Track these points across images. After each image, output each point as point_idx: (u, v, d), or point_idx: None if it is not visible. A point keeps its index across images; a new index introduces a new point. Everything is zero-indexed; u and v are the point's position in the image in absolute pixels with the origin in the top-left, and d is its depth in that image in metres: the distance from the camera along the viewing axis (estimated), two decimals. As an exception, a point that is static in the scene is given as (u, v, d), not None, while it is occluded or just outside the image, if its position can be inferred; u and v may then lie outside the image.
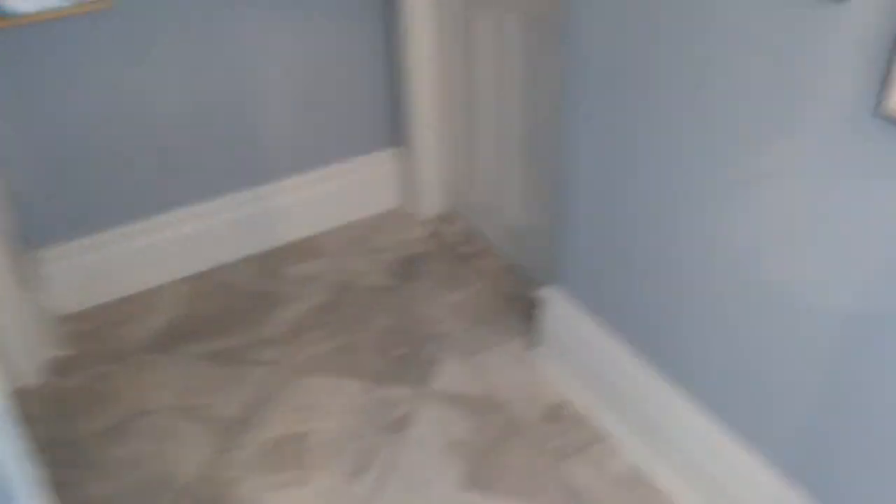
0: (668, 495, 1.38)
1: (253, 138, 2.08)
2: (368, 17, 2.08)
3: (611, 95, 1.24)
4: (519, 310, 1.86)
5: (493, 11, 1.76)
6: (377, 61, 2.16)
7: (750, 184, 1.05)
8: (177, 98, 1.93)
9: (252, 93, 2.02)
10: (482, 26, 1.80)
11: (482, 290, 1.95)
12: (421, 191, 2.25)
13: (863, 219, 0.92)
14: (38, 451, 1.56)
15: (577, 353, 1.53)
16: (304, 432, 1.58)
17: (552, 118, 1.62)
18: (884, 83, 0.83)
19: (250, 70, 1.99)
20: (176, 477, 1.51)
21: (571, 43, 1.29)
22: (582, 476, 1.43)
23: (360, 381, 1.69)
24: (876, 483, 1.02)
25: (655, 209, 1.23)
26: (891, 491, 1.00)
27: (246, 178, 2.12)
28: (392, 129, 2.27)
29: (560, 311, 1.55)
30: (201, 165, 2.04)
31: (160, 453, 1.56)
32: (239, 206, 2.12)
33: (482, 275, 2.01)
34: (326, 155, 2.21)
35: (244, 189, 2.12)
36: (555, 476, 1.43)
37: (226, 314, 1.95)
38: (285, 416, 1.62)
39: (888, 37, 0.82)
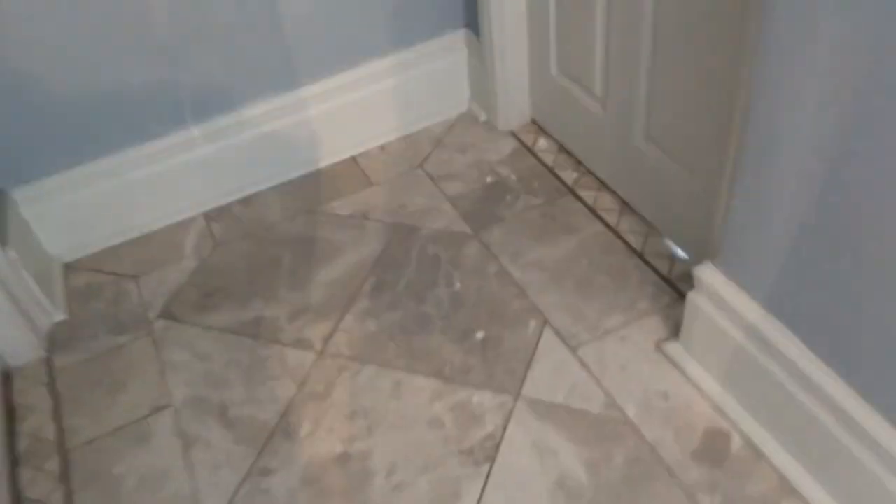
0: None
1: (274, 25, 1.55)
2: None
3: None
4: (643, 277, 1.38)
5: None
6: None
7: None
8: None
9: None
10: None
11: (590, 244, 1.46)
12: (503, 91, 1.71)
13: None
14: (21, 462, 1.23)
15: (745, 361, 1.07)
16: (359, 452, 1.19)
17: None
18: None
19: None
20: (198, 509, 1.16)
21: None
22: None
23: (430, 378, 1.27)
24: None
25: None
26: None
27: (270, 82, 1.61)
28: (465, 3, 1.70)
29: (723, 301, 1.07)
30: (207, 66, 1.54)
31: (182, 470, 1.21)
32: (263, 120, 1.64)
33: (589, 219, 1.51)
34: (373, 44, 1.67)
35: (268, 96, 1.63)
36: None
37: (256, 268, 1.52)
38: (335, 427, 1.23)
39: None
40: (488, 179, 1.64)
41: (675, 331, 1.25)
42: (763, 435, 1.08)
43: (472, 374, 1.26)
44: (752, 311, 1.03)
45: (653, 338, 1.26)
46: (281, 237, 1.59)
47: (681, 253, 1.40)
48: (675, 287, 1.34)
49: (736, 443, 1.10)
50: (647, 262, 1.40)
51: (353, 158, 1.76)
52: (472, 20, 1.69)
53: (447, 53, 1.75)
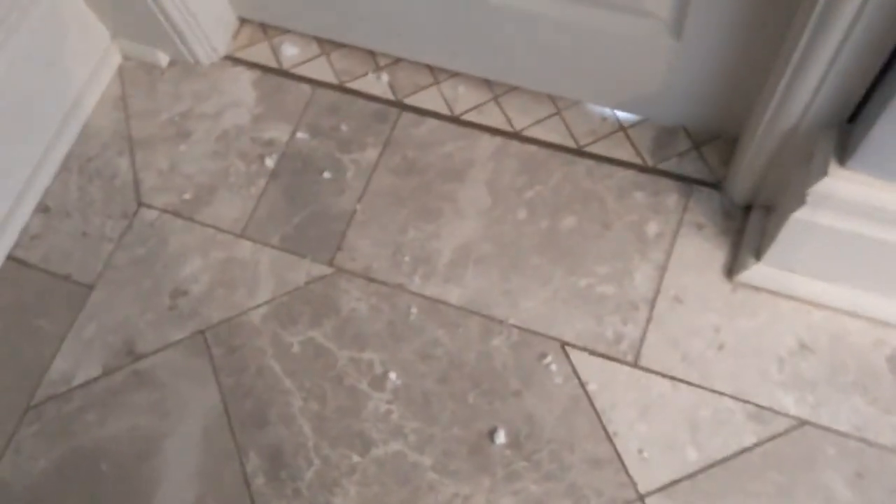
0: None
1: None
2: None
3: None
4: (616, 185, 0.88)
5: None
6: None
7: None
8: None
9: None
10: None
11: (502, 177, 0.90)
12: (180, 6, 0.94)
13: None
14: None
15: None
16: None
17: None
18: None
19: None
20: None
21: None
22: None
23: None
24: None
25: None
26: None
27: None
28: None
29: (881, 209, 0.64)
30: None
31: None
32: None
33: (467, 138, 0.92)
34: None
35: None
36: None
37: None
38: None
39: None
40: (268, 162, 0.95)
41: (726, 241, 0.82)
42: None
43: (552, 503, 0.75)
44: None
45: (712, 272, 0.82)
46: None
47: (623, 114, 0.91)
48: (666, 173, 0.88)
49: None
50: (599, 157, 0.90)
51: (13, 258, 0.93)
52: None
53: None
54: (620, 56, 0.81)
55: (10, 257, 0.93)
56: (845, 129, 0.64)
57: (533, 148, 0.91)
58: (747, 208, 0.83)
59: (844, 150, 0.61)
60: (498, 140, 0.92)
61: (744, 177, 0.79)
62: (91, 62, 1.00)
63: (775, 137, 0.70)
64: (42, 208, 0.96)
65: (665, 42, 0.76)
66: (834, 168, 0.62)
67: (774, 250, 0.75)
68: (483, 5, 0.82)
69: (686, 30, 0.73)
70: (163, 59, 1.02)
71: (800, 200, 0.66)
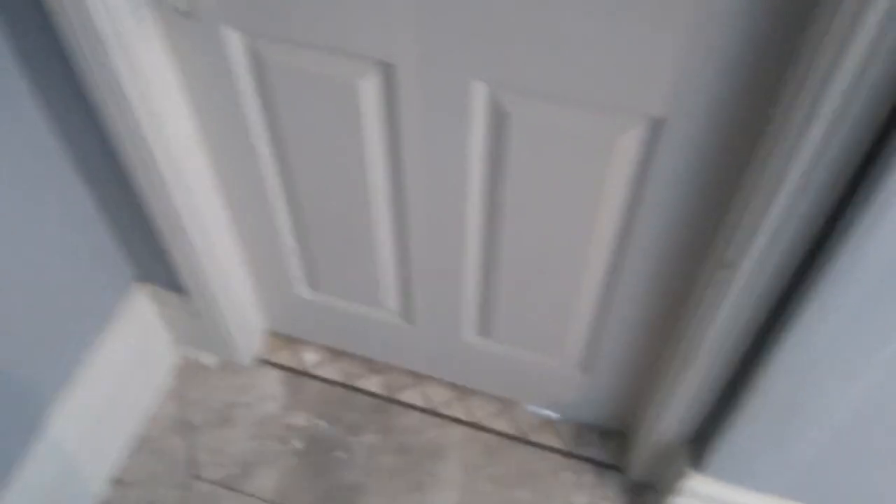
0: None
1: None
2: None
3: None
4: (551, 465, 1.26)
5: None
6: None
7: None
8: None
9: None
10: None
11: (469, 457, 1.26)
12: (234, 325, 1.31)
13: None
14: None
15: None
16: None
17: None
18: None
19: None
20: None
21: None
22: None
23: None
24: None
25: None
26: None
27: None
28: (129, 257, 1.20)
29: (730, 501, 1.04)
30: None
31: None
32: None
33: (442, 427, 1.29)
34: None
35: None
36: None
37: None
38: None
39: None
40: (295, 443, 1.28)
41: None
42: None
43: None
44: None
45: (617, 529, 1.19)
46: None
47: (551, 413, 1.31)
48: (584, 457, 1.26)
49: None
50: (536, 445, 1.28)
51: (93, 529, 1.18)
52: (146, 267, 1.21)
53: (128, 326, 1.24)
54: (544, 381, 1.23)
55: (86, 522, 1.18)
56: (698, 445, 1.05)
57: (489, 435, 1.29)
58: (644, 485, 1.21)
59: (697, 460, 1.02)
60: (465, 429, 1.30)
61: (636, 465, 1.18)
62: (156, 363, 1.34)
63: (653, 442, 1.11)
64: (116, 480, 1.23)
65: (576, 375, 1.19)
66: (691, 472, 1.03)
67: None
68: (453, 342, 1.24)
69: (594, 367, 1.17)
70: (211, 360, 1.37)
71: (671, 490, 1.06)
